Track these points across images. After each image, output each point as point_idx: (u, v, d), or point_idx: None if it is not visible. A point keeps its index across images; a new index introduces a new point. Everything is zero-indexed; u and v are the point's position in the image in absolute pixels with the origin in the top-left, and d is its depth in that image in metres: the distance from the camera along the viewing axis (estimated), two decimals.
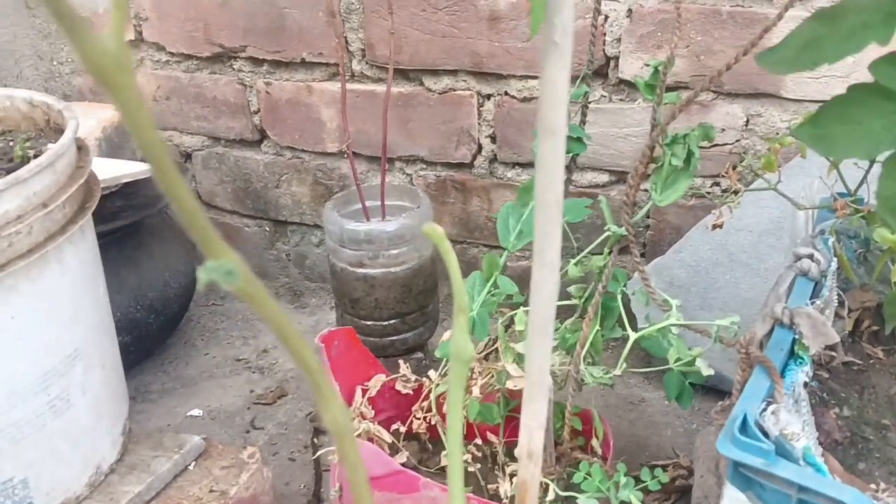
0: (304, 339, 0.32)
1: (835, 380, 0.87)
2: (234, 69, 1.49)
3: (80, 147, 1.00)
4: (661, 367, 1.19)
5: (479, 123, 1.36)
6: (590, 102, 1.27)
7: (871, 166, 0.84)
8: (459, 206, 1.43)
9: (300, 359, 0.33)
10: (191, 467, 1.04)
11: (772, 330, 0.80)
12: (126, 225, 1.28)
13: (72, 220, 0.92)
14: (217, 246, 0.29)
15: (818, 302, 0.80)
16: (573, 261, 0.90)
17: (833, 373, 0.88)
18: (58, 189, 0.89)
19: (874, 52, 0.47)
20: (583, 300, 0.89)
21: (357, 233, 1.17)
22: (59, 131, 0.98)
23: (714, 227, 0.87)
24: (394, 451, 0.95)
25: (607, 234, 0.85)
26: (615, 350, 1.40)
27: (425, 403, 0.95)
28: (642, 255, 1.36)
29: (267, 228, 1.61)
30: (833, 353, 0.88)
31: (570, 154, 1.00)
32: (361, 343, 1.04)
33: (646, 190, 1.32)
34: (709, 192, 1.27)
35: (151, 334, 1.35)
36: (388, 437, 0.92)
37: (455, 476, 0.40)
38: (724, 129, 1.23)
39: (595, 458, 0.88)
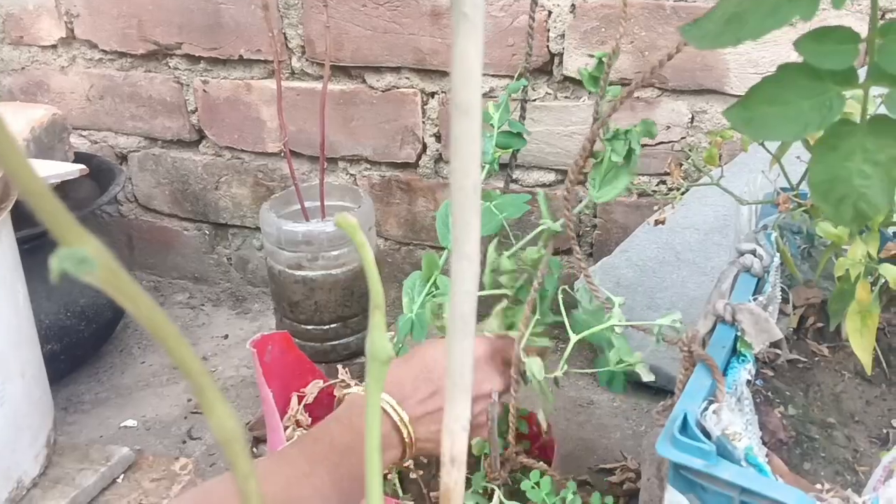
0: (181, 336, 0.29)
1: (779, 378, 0.85)
2: (169, 67, 1.44)
3: None
4: (608, 369, 1.17)
5: (423, 122, 1.33)
6: (530, 99, 1.25)
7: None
8: (405, 206, 1.40)
9: (178, 358, 0.29)
10: (119, 480, 1.00)
11: (714, 327, 0.78)
12: None
13: None
14: (71, 231, 0.25)
15: (761, 298, 0.78)
16: (507, 252, 0.87)
17: (777, 371, 0.86)
18: None
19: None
20: (515, 290, 0.86)
21: (295, 234, 1.13)
22: None
23: (657, 223, 0.85)
24: None
25: (542, 227, 0.83)
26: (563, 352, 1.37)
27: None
28: (589, 255, 1.34)
29: (207, 232, 1.56)
30: (777, 351, 0.87)
31: (511, 150, 0.98)
32: (297, 348, 1.01)
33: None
34: (655, 191, 1.25)
35: (83, 342, 1.29)
36: None
37: (373, 485, 0.36)
38: (669, 127, 1.21)
39: (540, 464, 0.85)
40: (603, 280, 1.24)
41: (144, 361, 1.40)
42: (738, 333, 0.75)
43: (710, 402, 0.68)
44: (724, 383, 0.70)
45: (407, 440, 0.74)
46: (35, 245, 1.20)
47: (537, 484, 0.84)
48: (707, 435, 0.64)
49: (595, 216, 1.31)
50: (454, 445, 0.41)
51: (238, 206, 1.51)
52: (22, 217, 1.22)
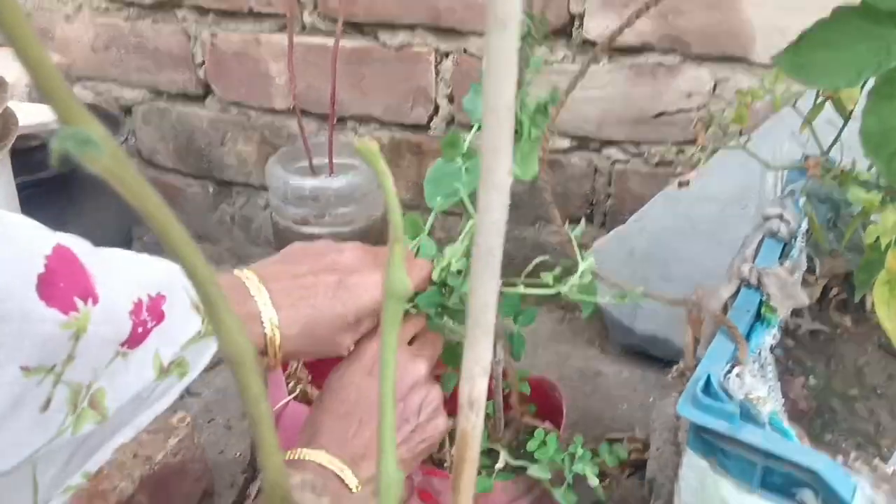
0: (191, 241, 0.26)
1: (800, 348, 0.83)
2: (178, 18, 1.40)
3: None
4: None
5: (436, 83, 1.30)
6: (548, 62, 1.21)
7: (844, 124, 0.79)
8: (414, 169, 1.37)
9: (187, 263, 0.26)
10: None
11: (737, 291, 0.75)
12: (54, 176, 1.19)
13: None
14: (76, 111, 0.22)
15: (787, 263, 0.75)
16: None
17: (799, 341, 0.83)
18: None
19: None
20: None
21: (302, 188, 1.10)
22: None
23: (680, 185, 0.82)
24: None
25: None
26: (571, 323, 1.35)
27: None
28: (602, 224, 1.31)
29: (211, 189, 1.53)
30: (799, 321, 0.84)
31: None
32: None
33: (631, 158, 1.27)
34: (672, 160, 1.22)
35: None
36: None
37: (387, 433, 0.34)
38: (690, 94, 1.18)
39: (546, 423, 0.82)
40: (616, 250, 1.21)
41: None
42: (763, 298, 0.72)
43: (733, 366, 0.65)
44: (746, 348, 0.67)
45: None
46: (32, 193, 1.17)
47: (543, 443, 0.81)
48: (730, 398, 0.62)
49: (610, 184, 1.28)
50: (473, 389, 0.38)
51: (243, 163, 1.48)
52: (22, 164, 1.20)
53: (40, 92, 0.21)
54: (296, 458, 0.65)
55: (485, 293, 0.35)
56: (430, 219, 0.85)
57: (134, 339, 0.53)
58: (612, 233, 1.24)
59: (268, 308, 0.64)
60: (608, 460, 0.80)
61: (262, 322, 0.63)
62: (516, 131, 0.79)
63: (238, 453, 1.10)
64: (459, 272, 0.79)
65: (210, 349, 0.59)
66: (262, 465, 0.29)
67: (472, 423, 0.39)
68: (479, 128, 0.89)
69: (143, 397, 0.56)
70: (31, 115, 1.19)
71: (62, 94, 0.22)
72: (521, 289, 0.80)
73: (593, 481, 0.76)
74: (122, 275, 0.54)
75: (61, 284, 0.47)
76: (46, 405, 0.48)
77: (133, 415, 0.57)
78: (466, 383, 0.38)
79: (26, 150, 1.22)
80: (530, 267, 0.82)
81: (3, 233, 0.47)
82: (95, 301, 0.49)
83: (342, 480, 0.64)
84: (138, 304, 0.53)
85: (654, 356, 1.25)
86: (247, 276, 0.65)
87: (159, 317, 0.54)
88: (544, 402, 0.91)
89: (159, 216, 0.26)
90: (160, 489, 0.91)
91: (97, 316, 0.49)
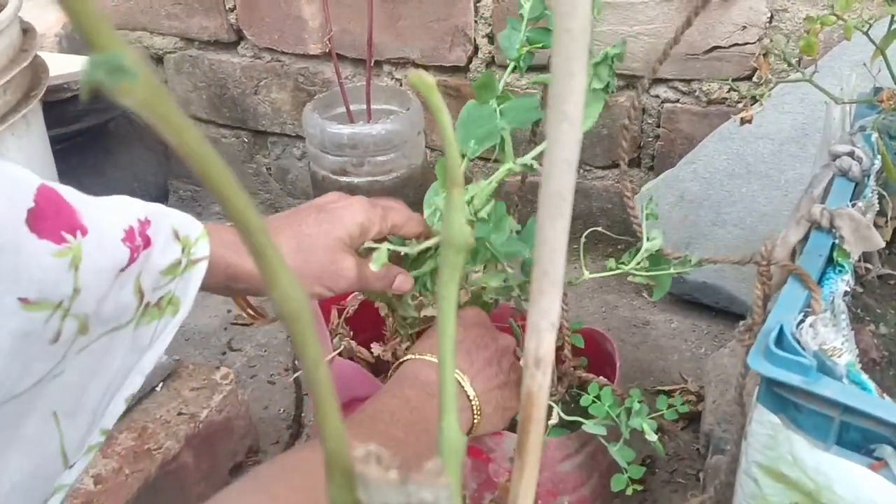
0: (237, 184, 0.22)
1: (869, 294, 0.78)
2: None
3: (27, 30, 0.89)
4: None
5: (475, 21, 1.24)
6: None
7: None
8: (454, 114, 1.32)
9: (231, 209, 0.23)
10: (158, 388, 0.96)
11: (807, 235, 0.70)
12: (88, 128, 1.17)
13: (14, 109, 0.82)
14: (104, 32, 0.19)
15: (860, 204, 0.71)
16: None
17: (867, 287, 0.79)
18: None
19: None
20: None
21: (340, 136, 1.06)
22: None
23: (742, 121, 0.76)
24: (376, 370, 0.86)
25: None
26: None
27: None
28: (650, 168, 1.26)
29: (245, 140, 1.50)
30: (868, 266, 0.79)
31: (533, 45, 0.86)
32: None
33: (656, 96, 1.22)
34: (725, 98, 1.16)
35: None
36: (369, 356, 0.84)
37: (447, 389, 0.30)
38: (745, 27, 1.11)
39: (600, 378, 0.79)
40: (665, 194, 1.16)
41: None
42: (836, 241, 0.68)
43: (806, 315, 0.61)
44: (820, 295, 0.63)
45: (476, 418, 0.69)
46: (67, 146, 1.15)
47: (598, 397, 0.78)
48: (804, 350, 0.58)
49: (658, 126, 1.23)
50: (540, 346, 0.34)
51: (278, 112, 1.44)
52: (56, 117, 1.17)
53: (63, 8, 0.18)
54: (418, 356, 0.68)
55: (554, 239, 0.31)
56: (464, 165, 0.80)
57: (129, 265, 0.53)
58: (660, 176, 1.19)
59: None
60: (666, 414, 0.77)
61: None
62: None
63: (282, 409, 1.09)
64: (484, 218, 0.76)
65: (195, 283, 0.59)
66: (321, 433, 0.25)
67: (539, 382, 0.35)
68: (515, 67, 0.85)
69: (141, 338, 0.57)
70: (63, 66, 1.17)
71: (89, 14, 0.18)
72: (586, 274, 0.77)
73: (651, 437, 0.73)
74: (108, 206, 0.55)
75: (50, 219, 0.48)
76: (56, 337, 0.49)
77: (135, 359, 0.57)
78: (532, 339, 0.34)
79: (59, 102, 1.19)
80: (584, 238, 0.79)
81: None
82: (84, 232, 0.50)
83: (462, 386, 0.67)
84: (130, 231, 0.54)
85: (705, 304, 1.21)
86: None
87: (147, 241, 0.55)
88: (596, 355, 0.88)
89: (201, 153, 0.22)
90: (206, 447, 0.90)
91: (89, 246, 0.50)
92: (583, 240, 0.84)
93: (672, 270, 0.79)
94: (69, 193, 0.51)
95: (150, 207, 0.57)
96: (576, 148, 0.29)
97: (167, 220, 0.58)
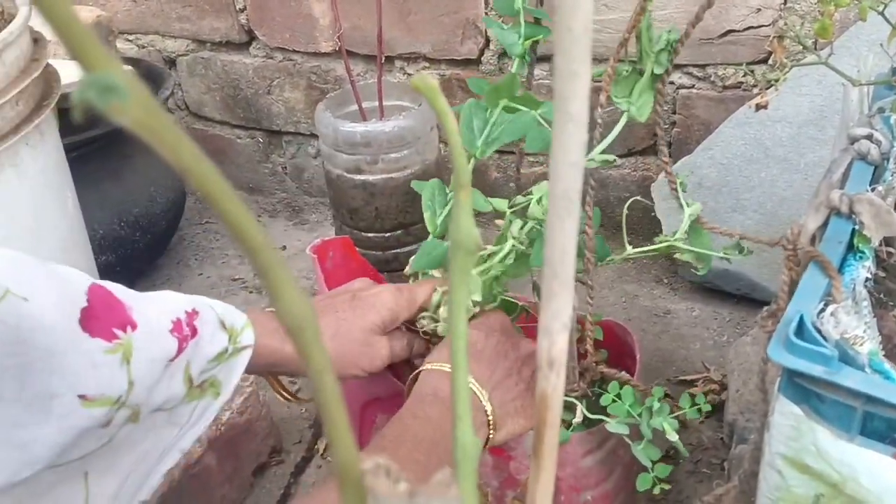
0: (236, 198, 0.22)
1: (892, 279, 0.77)
2: None
3: (37, 39, 0.89)
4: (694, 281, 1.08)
5: (486, 13, 1.23)
6: None
7: None
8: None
9: (233, 224, 0.22)
10: None
11: (826, 221, 0.69)
12: (103, 134, 1.17)
13: (27, 119, 0.82)
14: (96, 53, 0.19)
15: (880, 188, 0.69)
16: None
17: (890, 271, 0.77)
18: (8, 83, 0.79)
19: None
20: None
21: (353, 134, 1.06)
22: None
23: (758, 107, 0.75)
24: (395, 371, 0.86)
25: None
26: (637, 261, 1.30)
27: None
28: (667, 154, 1.25)
29: (260, 140, 1.50)
30: (890, 249, 0.78)
31: (531, 39, 0.85)
32: (359, 254, 0.95)
33: (672, 82, 1.20)
34: (741, 82, 1.15)
35: (139, 253, 1.26)
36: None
37: (461, 394, 0.30)
38: (759, 9, 1.10)
39: (622, 373, 0.78)
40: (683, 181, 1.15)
41: (202, 273, 1.37)
42: (856, 227, 0.66)
43: (827, 304, 0.60)
44: (840, 282, 0.62)
45: (491, 433, 0.68)
46: (84, 153, 1.16)
47: (618, 396, 0.77)
48: (825, 340, 0.57)
49: (674, 112, 1.21)
50: (553, 347, 0.34)
51: (291, 111, 1.44)
52: (71, 124, 1.18)
53: (51, 29, 0.18)
54: (437, 366, 0.69)
55: (563, 240, 0.30)
56: (470, 164, 0.79)
57: (178, 355, 0.57)
58: (678, 163, 1.18)
59: None
60: (689, 413, 0.76)
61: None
62: (636, 67, 0.74)
63: (304, 410, 1.09)
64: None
65: (238, 370, 0.63)
66: (331, 446, 0.25)
67: (552, 383, 0.35)
68: (522, 60, 0.84)
69: (180, 416, 0.60)
70: (76, 73, 1.17)
71: (78, 33, 0.18)
72: (629, 249, 0.76)
73: (672, 436, 0.72)
74: (156, 299, 0.58)
75: (101, 317, 0.51)
76: (108, 423, 0.53)
77: (177, 438, 0.60)
78: (545, 340, 0.34)
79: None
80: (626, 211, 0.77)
81: (49, 272, 0.51)
82: (134, 327, 0.53)
83: (480, 400, 0.68)
84: (177, 322, 0.57)
85: (727, 292, 1.20)
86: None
87: (193, 331, 0.58)
88: (616, 347, 0.87)
89: (201, 172, 0.22)
90: (228, 449, 0.90)
91: (140, 340, 0.53)
92: (625, 211, 0.82)
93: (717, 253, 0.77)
94: (119, 290, 0.55)
95: (196, 300, 0.61)
96: (582, 149, 0.28)
97: (213, 310, 0.61)
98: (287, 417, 1.08)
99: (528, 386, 0.72)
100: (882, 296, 0.76)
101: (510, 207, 0.75)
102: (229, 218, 0.21)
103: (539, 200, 0.72)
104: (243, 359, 0.63)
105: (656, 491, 0.75)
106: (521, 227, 0.73)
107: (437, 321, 0.77)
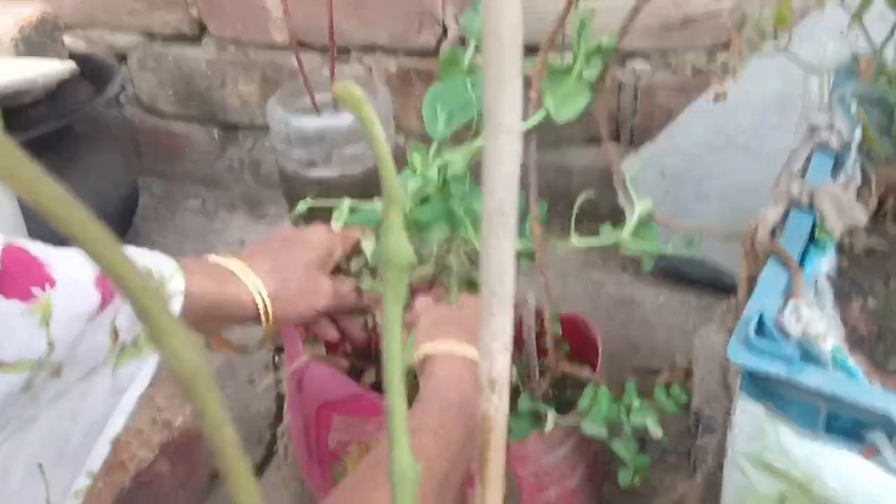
0: (117, 244, 0.20)
1: (856, 268, 0.76)
2: None
3: None
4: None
5: (443, 2, 1.21)
6: None
7: None
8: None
9: (113, 272, 0.20)
10: None
11: (787, 213, 0.68)
12: (51, 132, 1.13)
13: None
14: None
15: (841, 178, 0.68)
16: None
17: (854, 260, 0.76)
18: None
19: None
20: None
21: (305, 129, 1.03)
22: None
23: (716, 98, 0.74)
24: (355, 374, 0.83)
25: None
26: (602, 249, 1.28)
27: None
28: (630, 142, 1.23)
29: (216, 134, 1.47)
30: (854, 239, 0.77)
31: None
32: None
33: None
34: (703, 69, 1.13)
35: None
36: (343, 363, 0.81)
37: (397, 417, 0.28)
38: None
39: (584, 370, 0.76)
40: (645, 170, 1.13)
41: None
42: (817, 219, 0.65)
43: (788, 299, 0.59)
44: (801, 277, 0.61)
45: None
46: (32, 151, 1.11)
47: (594, 400, 0.75)
48: (786, 338, 0.55)
49: (636, 99, 1.20)
50: (493, 367, 0.32)
51: (246, 104, 1.40)
52: (17, 123, 1.14)
53: None
54: (447, 350, 0.66)
55: (500, 256, 0.28)
56: (433, 149, 0.77)
57: (103, 308, 0.54)
58: (639, 152, 1.16)
59: (250, 276, 0.67)
60: (666, 406, 0.75)
61: (248, 290, 0.67)
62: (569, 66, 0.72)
63: (264, 408, 1.07)
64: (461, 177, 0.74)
65: None
66: (232, 496, 0.23)
67: (495, 405, 0.33)
68: (478, 47, 0.82)
69: (122, 380, 0.57)
70: (19, 71, 1.13)
71: None
72: (575, 241, 0.74)
73: (657, 433, 0.70)
74: (79, 254, 0.53)
75: (17, 277, 0.49)
76: (29, 387, 0.50)
77: (116, 401, 0.57)
78: (485, 361, 0.32)
79: (19, 107, 1.16)
80: (577, 205, 0.76)
81: None
82: (52, 284, 0.50)
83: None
84: (102, 275, 0.54)
85: (693, 279, 1.19)
86: (221, 258, 0.68)
87: None
88: (577, 340, 0.85)
89: (61, 211, 0.20)
90: (182, 455, 0.88)
91: (59, 297, 0.50)
92: (577, 201, 0.80)
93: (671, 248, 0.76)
94: (37, 248, 0.52)
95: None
96: (516, 160, 0.26)
97: (140, 261, 0.58)
98: (246, 418, 1.06)
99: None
100: (846, 285, 0.75)
101: None
102: (104, 262, 0.19)
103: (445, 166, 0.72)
104: (174, 306, 0.59)
105: (637, 482, 0.74)
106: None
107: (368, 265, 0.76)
